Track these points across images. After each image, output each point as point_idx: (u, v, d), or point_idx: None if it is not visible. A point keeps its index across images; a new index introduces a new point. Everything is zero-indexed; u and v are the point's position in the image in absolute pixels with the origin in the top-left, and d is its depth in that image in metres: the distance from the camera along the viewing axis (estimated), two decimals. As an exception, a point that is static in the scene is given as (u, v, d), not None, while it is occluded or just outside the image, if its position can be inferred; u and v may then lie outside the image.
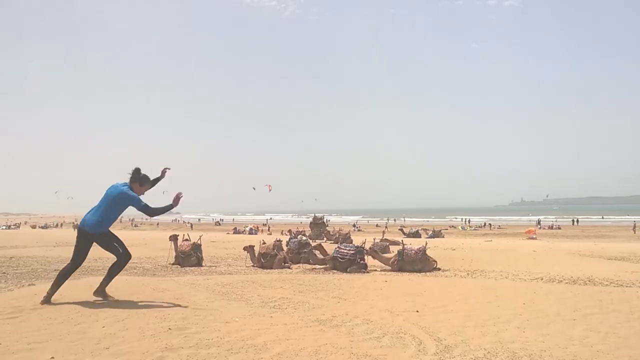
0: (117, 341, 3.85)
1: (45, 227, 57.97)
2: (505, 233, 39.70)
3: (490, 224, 53.99)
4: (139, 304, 5.34)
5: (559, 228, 46.92)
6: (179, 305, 5.34)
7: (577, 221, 58.52)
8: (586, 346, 4.05)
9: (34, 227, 57.52)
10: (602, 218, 69.38)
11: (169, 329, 4.25)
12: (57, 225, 62.65)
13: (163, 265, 11.50)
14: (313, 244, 12.78)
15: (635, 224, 41.71)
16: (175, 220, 63.13)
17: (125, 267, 5.87)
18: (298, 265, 11.82)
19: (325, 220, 30.32)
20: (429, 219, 71.38)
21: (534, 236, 31.53)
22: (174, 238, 12.29)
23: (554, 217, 69.12)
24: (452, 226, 52.46)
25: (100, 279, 5.78)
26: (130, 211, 5.73)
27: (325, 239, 25.27)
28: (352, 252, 10.66)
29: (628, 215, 72.09)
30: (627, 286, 8.12)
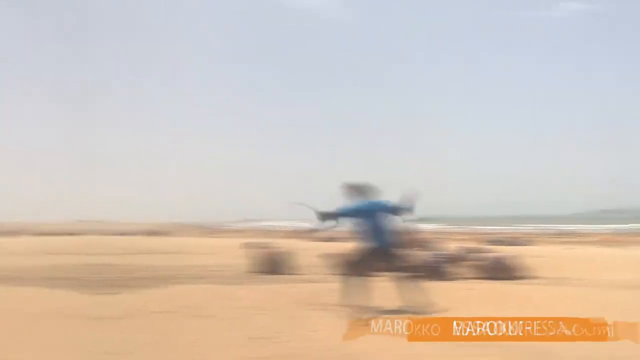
0: (197, 350, 3.93)
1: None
2: (585, 241, 37.12)
3: (562, 233, 50.86)
4: (217, 312, 5.38)
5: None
6: (259, 314, 5.33)
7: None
8: None
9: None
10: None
11: (249, 338, 4.26)
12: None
13: (241, 272, 11.67)
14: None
15: None
16: (250, 227, 64.43)
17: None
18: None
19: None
20: (506, 227, 68.11)
21: (613, 244, 29.73)
22: (251, 245, 12.27)
23: (628, 225, 63.64)
24: (531, 233, 49.78)
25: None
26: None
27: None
28: (443, 259, 10.67)
29: None
30: None
